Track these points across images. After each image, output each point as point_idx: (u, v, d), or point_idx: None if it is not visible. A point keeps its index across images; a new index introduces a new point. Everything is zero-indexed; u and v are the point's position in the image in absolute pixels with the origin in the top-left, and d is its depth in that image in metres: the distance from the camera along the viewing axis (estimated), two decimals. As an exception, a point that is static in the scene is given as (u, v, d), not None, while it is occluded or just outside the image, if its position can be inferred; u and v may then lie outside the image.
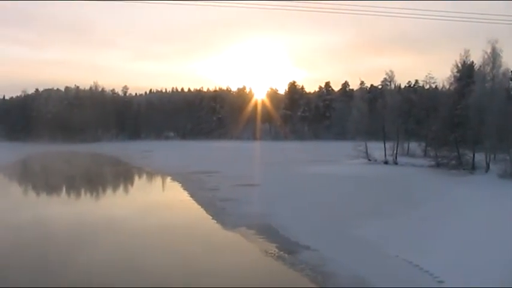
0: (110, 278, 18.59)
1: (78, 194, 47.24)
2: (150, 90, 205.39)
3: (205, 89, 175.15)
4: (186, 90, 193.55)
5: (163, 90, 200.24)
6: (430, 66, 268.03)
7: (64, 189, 51.31)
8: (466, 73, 58.54)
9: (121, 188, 52.33)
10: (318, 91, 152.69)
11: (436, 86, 75.63)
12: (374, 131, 68.88)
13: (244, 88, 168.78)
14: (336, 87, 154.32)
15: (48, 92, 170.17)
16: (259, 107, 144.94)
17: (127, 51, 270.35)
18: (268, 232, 25.18)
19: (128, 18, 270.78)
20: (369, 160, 65.14)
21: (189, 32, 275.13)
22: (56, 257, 21.53)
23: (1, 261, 21.20)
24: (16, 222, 30.91)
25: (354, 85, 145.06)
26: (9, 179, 62.75)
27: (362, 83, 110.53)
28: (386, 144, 65.58)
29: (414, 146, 68.30)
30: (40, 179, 60.90)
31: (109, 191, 49.23)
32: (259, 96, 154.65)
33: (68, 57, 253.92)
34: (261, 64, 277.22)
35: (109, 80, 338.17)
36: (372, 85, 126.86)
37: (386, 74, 71.15)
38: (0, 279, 18.58)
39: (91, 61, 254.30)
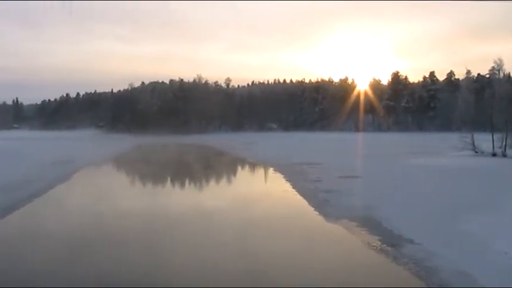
0: (204, 264, 19.15)
1: (183, 184, 48.97)
2: (253, 82, 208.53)
3: (307, 81, 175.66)
4: (288, 81, 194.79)
5: (266, 82, 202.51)
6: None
7: (169, 178, 53.28)
8: None
9: (225, 179, 53.66)
10: (422, 81, 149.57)
11: (550, 74, 72.32)
12: (481, 121, 66.84)
13: (346, 79, 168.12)
14: (441, 76, 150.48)
15: (153, 84, 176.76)
16: (361, 98, 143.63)
17: (228, 44, 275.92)
18: (371, 224, 25.09)
19: (226, 11, 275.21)
20: (476, 152, 63.09)
21: (289, 23, 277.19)
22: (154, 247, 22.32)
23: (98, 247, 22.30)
24: (117, 209, 32.45)
25: (460, 74, 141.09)
26: (117, 168, 66.01)
27: (468, 72, 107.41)
28: (494, 136, 63.16)
29: (525, 138, 65.53)
30: (146, 169, 63.41)
31: (212, 182, 50.49)
32: (362, 87, 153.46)
33: (169, 51, 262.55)
34: (363, 54, 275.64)
35: (212, 73, 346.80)
36: (478, 74, 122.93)
37: (495, 62, 68.65)
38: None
39: (193, 54, 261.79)
